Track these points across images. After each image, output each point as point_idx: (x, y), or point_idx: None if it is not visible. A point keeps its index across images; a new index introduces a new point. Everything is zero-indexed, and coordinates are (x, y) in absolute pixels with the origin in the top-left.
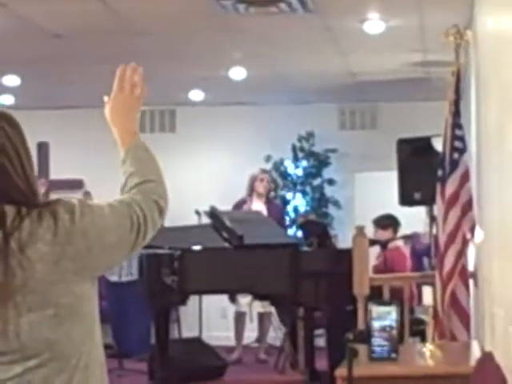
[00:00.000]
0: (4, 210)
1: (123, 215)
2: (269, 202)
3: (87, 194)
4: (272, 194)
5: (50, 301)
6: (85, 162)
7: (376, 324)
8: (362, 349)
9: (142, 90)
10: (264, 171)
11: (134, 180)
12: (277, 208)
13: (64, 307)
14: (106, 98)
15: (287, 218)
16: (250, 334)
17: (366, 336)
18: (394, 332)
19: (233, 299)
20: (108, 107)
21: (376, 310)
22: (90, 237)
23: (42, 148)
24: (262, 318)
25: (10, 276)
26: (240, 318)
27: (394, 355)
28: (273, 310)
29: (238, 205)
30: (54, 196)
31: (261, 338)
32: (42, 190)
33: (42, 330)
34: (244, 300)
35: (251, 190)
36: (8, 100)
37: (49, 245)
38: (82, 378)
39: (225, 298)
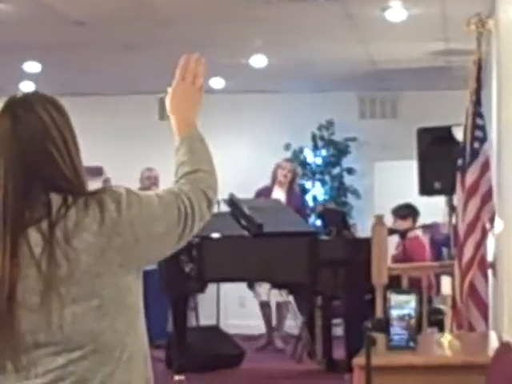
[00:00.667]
0: (50, 198)
1: (171, 205)
2: (290, 191)
3: (107, 181)
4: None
5: (95, 292)
6: (104, 149)
7: (394, 313)
8: (379, 338)
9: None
10: (287, 160)
11: (184, 169)
12: (298, 198)
13: (108, 299)
14: (169, 89)
15: (306, 207)
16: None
17: (384, 325)
18: (413, 321)
19: (251, 286)
20: (168, 95)
21: (395, 298)
22: (137, 227)
23: None
24: (280, 306)
25: (55, 267)
26: (264, 307)
27: (412, 344)
28: (290, 298)
29: (260, 192)
30: None
31: (278, 326)
32: None
33: (86, 321)
34: (263, 289)
35: (274, 178)
36: (29, 87)
37: (95, 235)
38: (125, 371)
39: (243, 286)
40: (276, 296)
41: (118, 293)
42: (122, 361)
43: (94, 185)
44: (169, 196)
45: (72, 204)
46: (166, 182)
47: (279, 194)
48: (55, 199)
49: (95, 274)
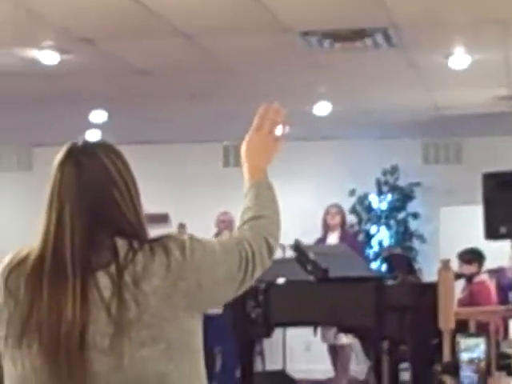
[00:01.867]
0: (116, 243)
1: (232, 251)
2: (343, 235)
3: (182, 227)
4: (355, 228)
5: (162, 336)
6: (170, 196)
7: (464, 356)
8: (449, 381)
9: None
10: (334, 205)
11: (248, 215)
12: (350, 240)
13: (175, 342)
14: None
15: (371, 252)
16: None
17: (453, 368)
18: (483, 364)
19: (315, 332)
20: (244, 142)
21: (464, 342)
22: (201, 272)
23: None
24: (343, 349)
25: (124, 310)
26: (333, 351)
27: None
28: (355, 341)
29: (317, 243)
30: None
31: (343, 369)
32: None
33: (154, 364)
34: (331, 332)
35: (324, 225)
36: (95, 135)
37: (162, 280)
38: None
39: (308, 330)
40: (342, 338)
41: (184, 337)
42: None
43: (161, 231)
44: (231, 242)
45: (138, 249)
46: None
47: (332, 240)
48: (120, 244)
49: (163, 318)
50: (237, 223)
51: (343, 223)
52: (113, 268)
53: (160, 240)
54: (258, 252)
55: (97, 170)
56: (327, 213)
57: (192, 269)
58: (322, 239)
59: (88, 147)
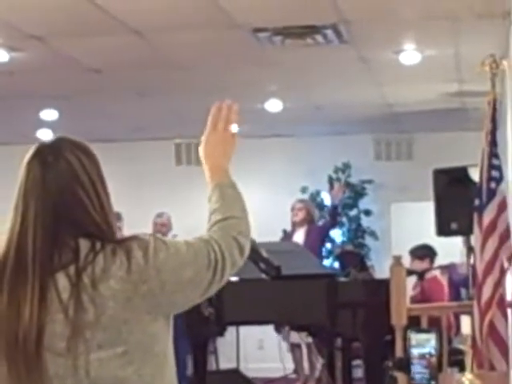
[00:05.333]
0: (78, 244)
1: (200, 252)
2: (309, 228)
3: (118, 217)
4: (319, 222)
5: (121, 339)
6: (123, 195)
7: (415, 351)
8: (400, 377)
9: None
10: (299, 201)
11: (216, 217)
12: (316, 230)
13: (134, 345)
14: (203, 137)
15: (323, 250)
16: (287, 365)
17: (405, 363)
18: (434, 359)
19: (278, 330)
20: (202, 144)
21: (415, 337)
22: (163, 273)
23: None
24: (310, 347)
25: (81, 312)
26: (295, 349)
27: (433, 383)
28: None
29: (286, 238)
30: None
31: (311, 368)
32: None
33: (112, 367)
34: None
35: (291, 221)
36: (46, 134)
37: (121, 282)
38: None
39: (262, 329)
40: (306, 337)
41: (145, 340)
42: None
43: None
44: (199, 243)
45: (100, 250)
46: (180, 226)
47: (299, 235)
48: (83, 245)
49: (122, 321)
50: (176, 225)
51: (310, 218)
52: (72, 269)
53: (124, 241)
54: (227, 252)
55: (61, 169)
56: (292, 209)
57: (154, 270)
58: (289, 235)
59: (54, 145)
